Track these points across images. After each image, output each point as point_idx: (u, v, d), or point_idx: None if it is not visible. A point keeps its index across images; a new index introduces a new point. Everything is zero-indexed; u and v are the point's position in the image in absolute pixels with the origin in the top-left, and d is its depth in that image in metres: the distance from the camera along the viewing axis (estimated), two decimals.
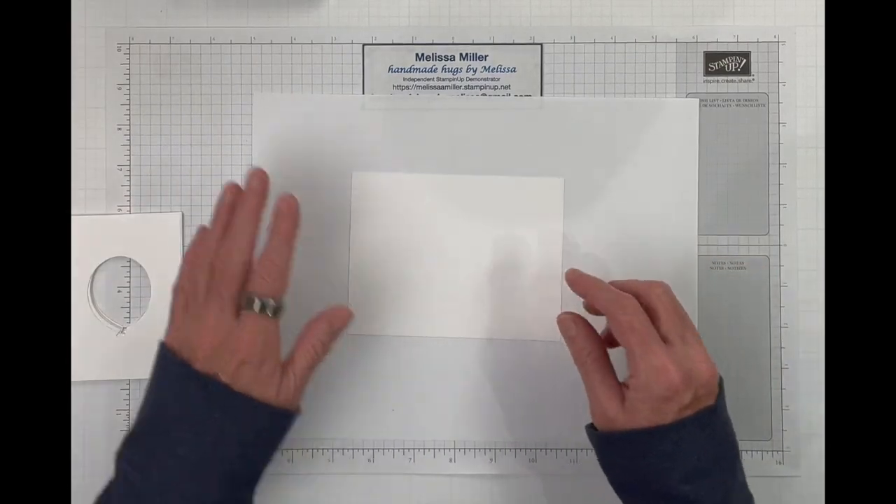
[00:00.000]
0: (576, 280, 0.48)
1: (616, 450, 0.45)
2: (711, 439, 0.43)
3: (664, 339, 0.43)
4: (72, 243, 0.54)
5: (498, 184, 0.55)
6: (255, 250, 0.45)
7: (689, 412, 0.43)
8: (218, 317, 0.43)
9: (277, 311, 0.45)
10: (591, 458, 0.55)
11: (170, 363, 0.44)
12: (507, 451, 0.55)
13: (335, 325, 0.47)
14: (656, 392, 0.42)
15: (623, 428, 0.43)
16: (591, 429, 0.47)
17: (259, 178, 0.47)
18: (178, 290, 0.46)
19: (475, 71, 0.56)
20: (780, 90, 0.56)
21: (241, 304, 0.44)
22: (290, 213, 0.46)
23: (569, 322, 0.47)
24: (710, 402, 0.44)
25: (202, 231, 0.48)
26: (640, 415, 0.43)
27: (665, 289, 0.46)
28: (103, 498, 0.44)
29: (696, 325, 0.55)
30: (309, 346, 0.46)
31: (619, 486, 0.46)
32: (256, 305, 0.44)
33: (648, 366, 0.42)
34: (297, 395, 0.46)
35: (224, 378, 0.43)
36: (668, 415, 0.42)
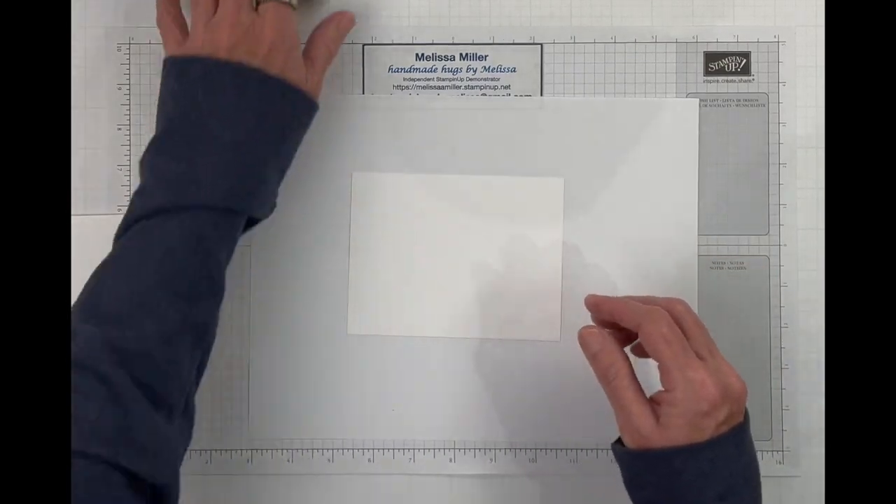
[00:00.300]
0: (598, 303, 0.47)
1: (649, 468, 0.43)
2: (743, 456, 0.43)
3: (696, 355, 0.43)
4: (72, 243, 0.54)
5: (498, 184, 0.55)
6: None
7: (724, 428, 0.42)
8: (236, 13, 0.45)
9: None
10: (591, 458, 0.55)
11: (189, 64, 0.45)
12: (507, 451, 0.55)
13: (342, 26, 0.51)
14: (695, 407, 0.41)
15: (658, 446, 0.42)
16: (618, 446, 0.45)
17: None
18: (193, 4, 0.47)
19: (475, 71, 0.56)
20: (780, 90, 0.56)
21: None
22: None
23: (592, 337, 0.45)
24: (741, 418, 0.43)
25: None
26: (677, 431, 0.41)
27: (686, 306, 0.45)
28: (143, 202, 0.45)
29: None
30: (322, 45, 0.50)
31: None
32: None
33: (686, 379, 0.41)
34: (319, 87, 0.49)
35: (255, 62, 0.45)
36: (706, 431, 0.41)
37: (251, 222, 0.48)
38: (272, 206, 0.49)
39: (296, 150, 0.49)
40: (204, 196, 0.44)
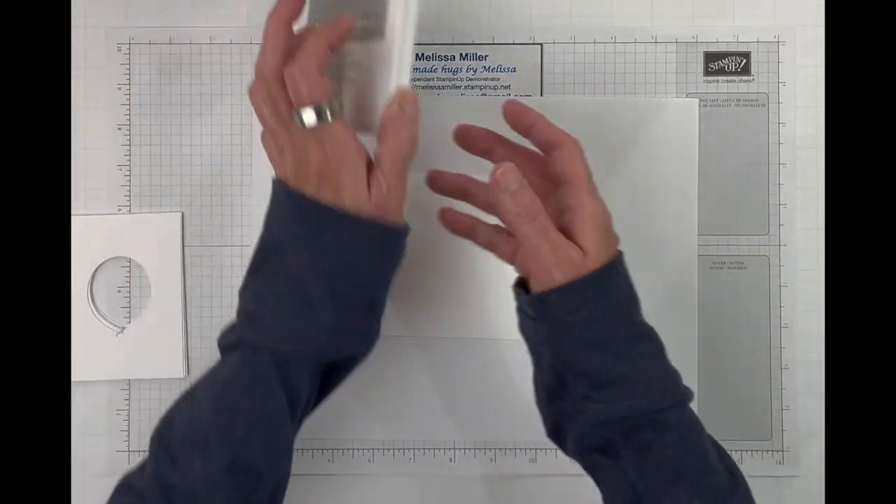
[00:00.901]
0: (519, 110, 0.46)
1: (582, 293, 0.41)
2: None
3: None
4: (72, 243, 0.54)
5: None
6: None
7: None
8: (288, 136, 0.42)
9: (323, 114, 0.41)
10: None
11: (273, 189, 0.43)
12: (507, 451, 0.55)
13: (406, 102, 0.43)
14: (606, 222, 0.43)
15: (590, 267, 0.41)
16: (533, 297, 0.42)
17: None
18: (263, 134, 0.44)
19: (475, 71, 0.56)
20: (780, 90, 0.56)
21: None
22: (338, 24, 0.42)
23: (511, 174, 0.42)
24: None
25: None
26: (598, 250, 0.42)
27: (578, 141, 0.45)
28: (227, 335, 0.43)
29: (696, 325, 0.55)
30: (386, 145, 0.42)
31: (574, 354, 0.42)
32: (300, 119, 0.41)
33: (594, 196, 0.43)
34: (392, 200, 0.42)
35: (309, 192, 0.41)
36: (609, 246, 0.43)
37: (350, 362, 0.45)
38: (362, 345, 0.44)
39: (381, 281, 0.43)
40: (260, 333, 0.41)
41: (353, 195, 0.41)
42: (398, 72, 0.43)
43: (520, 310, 0.45)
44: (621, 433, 0.41)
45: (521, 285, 0.45)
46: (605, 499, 0.43)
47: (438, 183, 0.49)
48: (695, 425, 0.42)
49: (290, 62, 0.40)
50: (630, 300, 0.43)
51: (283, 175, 0.42)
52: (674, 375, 0.43)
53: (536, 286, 0.43)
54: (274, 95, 0.41)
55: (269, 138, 0.43)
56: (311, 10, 0.45)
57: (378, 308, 0.44)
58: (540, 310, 0.43)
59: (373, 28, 0.43)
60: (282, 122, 0.41)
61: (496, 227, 0.47)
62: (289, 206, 0.42)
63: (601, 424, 0.41)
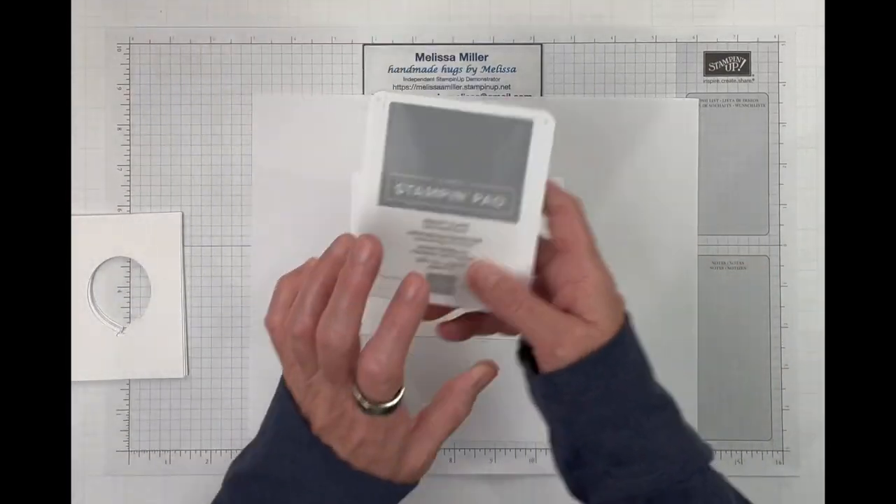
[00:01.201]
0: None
1: (594, 369, 0.39)
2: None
3: None
4: (72, 243, 0.54)
5: None
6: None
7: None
8: (332, 395, 0.39)
9: (391, 410, 0.40)
10: None
11: (290, 416, 0.41)
12: (507, 451, 0.55)
13: (482, 381, 0.43)
14: (612, 290, 0.40)
15: (599, 342, 0.39)
16: (542, 379, 0.40)
17: (371, 252, 0.37)
18: (282, 354, 0.42)
19: (475, 71, 0.56)
20: (780, 90, 0.56)
21: (354, 395, 0.39)
22: (415, 300, 0.37)
23: (488, 268, 0.40)
24: None
25: (294, 281, 0.43)
26: (606, 322, 0.39)
27: (578, 203, 0.43)
28: None
29: (696, 325, 0.55)
30: (449, 412, 0.43)
31: (591, 432, 0.40)
32: (368, 407, 0.39)
33: (597, 264, 0.40)
34: (422, 470, 0.43)
35: (342, 454, 0.40)
36: (617, 315, 0.40)
37: None
38: None
39: None
40: None
41: (385, 468, 0.41)
42: (526, 257, 0.40)
43: (530, 391, 0.44)
44: (646, 502, 0.40)
45: (525, 353, 0.43)
46: None
47: (451, 334, 0.46)
48: (717, 488, 0.41)
49: (379, 347, 0.37)
50: (642, 369, 0.41)
51: (308, 412, 0.40)
52: (692, 440, 0.41)
53: (543, 365, 0.40)
54: (304, 357, 0.39)
55: (289, 357, 0.41)
56: (389, 171, 0.39)
57: None
58: (550, 391, 0.41)
59: (497, 206, 0.40)
60: (328, 377, 0.39)
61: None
62: (312, 455, 0.40)
63: (624, 500, 0.40)
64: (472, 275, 0.40)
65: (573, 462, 0.42)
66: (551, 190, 0.41)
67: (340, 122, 0.55)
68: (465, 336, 0.45)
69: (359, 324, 0.38)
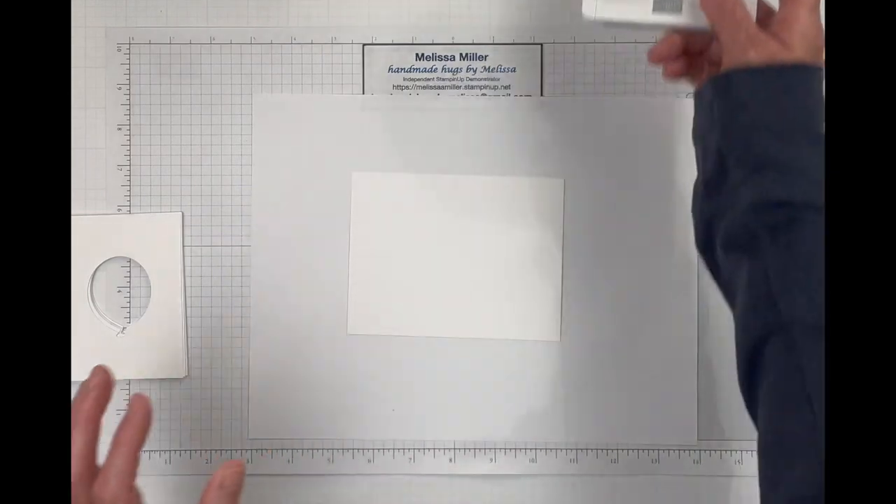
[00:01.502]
0: None
1: (767, 85, 0.40)
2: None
3: None
4: (72, 243, 0.54)
5: (498, 184, 0.55)
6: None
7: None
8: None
9: None
10: (591, 457, 0.55)
11: None
12: (507, 451, 0.55)
13: (226, 482, 0.41)
14: (816, 42, 0.41)
15: (785, 59, 0.40)
16: (718, 74, 0.41)
17: (100, 381, 0.42)
18: None
19: (475, 71, 0.56)
20: None
21: None
22: (140, 416, 0.42)
23: None
24: None
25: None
26: (800, 50, 0.40)
27: None
28: None
29: (696, 326, 0.55)
30: None
31: (743, 135, 0.41)
32: None
33: (812, 16, 0.41)
34: None
35: None
36: (817, 52, 0.41)
37: None
38: None
39: None
40: None
41: None
42: None
43: (698, 96, 0.44)
44: (767, 227, 0.40)
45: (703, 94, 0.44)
46: (740, 303, 0.42)
47: (674, 71, 0.46)
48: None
49: (108, 468, 0.41)
50: (816, 114, 0.41)
51: None
52: None
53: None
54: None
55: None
56: None
57: None
58: (721, 85, 0.42)
59: None
60: None
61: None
62: None
63: (750, 208, 0.40)
64: None
65: (713, 182, 0.42)
66: None
67: (340, 122, 0.55)
68: (682, 72, 0.46)
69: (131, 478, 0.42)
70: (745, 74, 0.41)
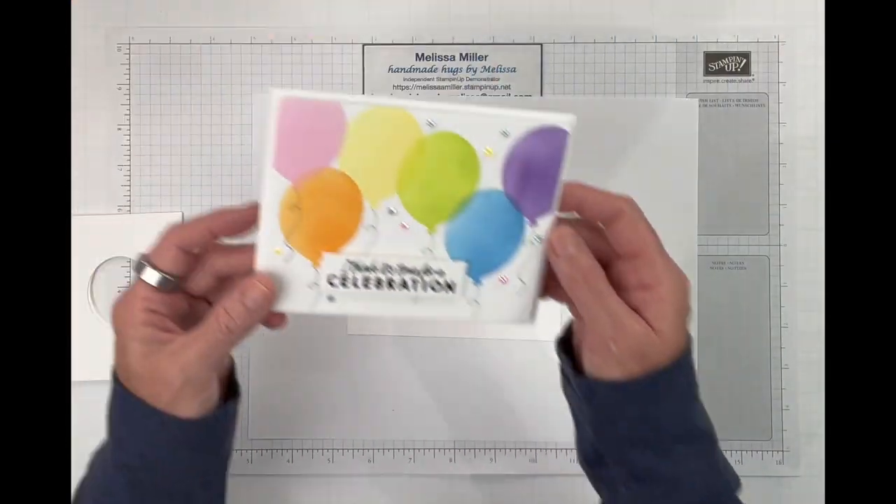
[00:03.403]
0: (565, 192, 0.39)
1: (637, 399, 0.37)
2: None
3: None
4: (72, 243, 0.54)
5: None
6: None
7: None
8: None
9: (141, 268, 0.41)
10: None
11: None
12: (507, 451, 0.55)
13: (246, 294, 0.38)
14: (683, 301, 0.37)
15: (658, 358, 0.36)
16: (585, 383, 0.38)
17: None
18: None
19: (475, 71, 0.56)
20: (780, 90, 0.56)
21: None
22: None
23: (569, 237, 0.37)
24: None
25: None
26: (673, 334, 0.36)
27: (633, 202, 0.40)
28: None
29: (696, 325, 0.55)
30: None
31: (617, 444, 0.39)
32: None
33: (670, 270, 0.37)
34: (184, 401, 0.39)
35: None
36: (684, 329, 0.37)
37: None
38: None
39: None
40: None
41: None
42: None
43: (562, 372, 0.42)
44: None
45: (564, 345, 0.41)
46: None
47: None
48: None
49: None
50: (688, 395, 0.39)
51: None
52: (721, 472, 0.39)
53: (590, 357, 0.38)
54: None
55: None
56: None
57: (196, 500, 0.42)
58: (587, 395, 0.39)
59: None
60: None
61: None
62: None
63: None
64: (552, 243, 0.37)
65: (593, 460, 0.41)
66: (604, 198, 0.39)
67: None
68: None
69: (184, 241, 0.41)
70: (610, 390, 0.37)
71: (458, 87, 0.56)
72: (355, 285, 0.38)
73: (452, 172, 0.37)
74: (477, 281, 0.38)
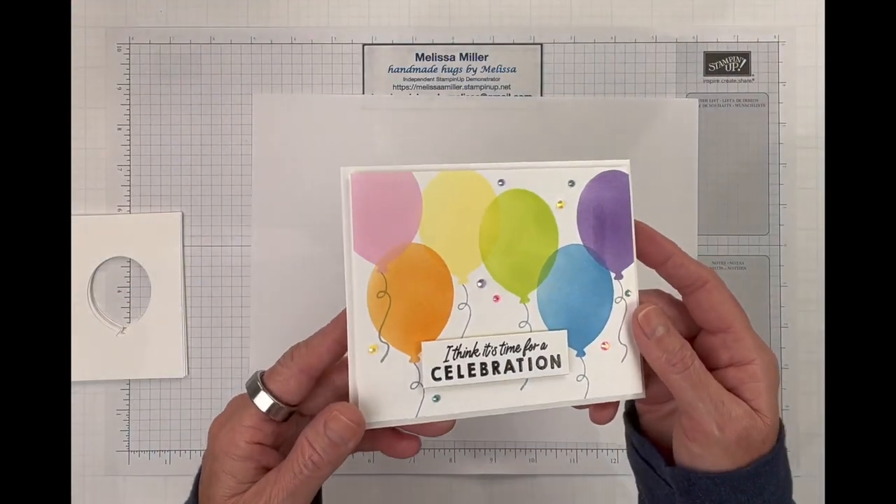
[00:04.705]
0: (651, 235, 0.38)
1: (736, 490, 0.35)
2: None
3: None
4: (72, 243, 0.54)
5: None
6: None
7: None
8: None
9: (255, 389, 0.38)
10: (590, 458, 0.55)
11: None
12: (507, 451, 0.55)
13: (330, 426, 0.35)
14: (774, 380, 0.35)
15: (767, 442, 0.35)
16: (680, 472, 0.36)
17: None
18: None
19: (475, 71, 0.56)
20: (780, 90, 0.56)
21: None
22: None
23: (656, 316, 0.35)
24: None
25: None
26: (772, 416, 0.35)
27: (716, 273, 0.38)
28: None
29: None
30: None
31: None
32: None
33: (761, 347, 0.36)
34: None
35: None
36: (778, 409, 0.36)
37: None
38: None
39: None
40: None
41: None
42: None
43: (635, 449, 0.39)
44: None
45: (633, 416, 0.39)
46: None
47: (606, 418, 0.39)
48: None
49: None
50: (786, 488, 0.37)
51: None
52: None
53: (690, 449, 0.36)
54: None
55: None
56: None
57: None
58: (686, 488, 0.36)
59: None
60: None
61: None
62: None
63: None
64: (639, 322, 0.36)
65: None
66: (692, 263, 0.37)
67: (340, 122, 0.55)
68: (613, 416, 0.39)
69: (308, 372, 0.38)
70: (714, 484, 0.35)
71: (458, 87, 0.56)
72: (460, 375, 0.34)
73: (531, 231, 0.35)
74: (580, 352, 0.36)
